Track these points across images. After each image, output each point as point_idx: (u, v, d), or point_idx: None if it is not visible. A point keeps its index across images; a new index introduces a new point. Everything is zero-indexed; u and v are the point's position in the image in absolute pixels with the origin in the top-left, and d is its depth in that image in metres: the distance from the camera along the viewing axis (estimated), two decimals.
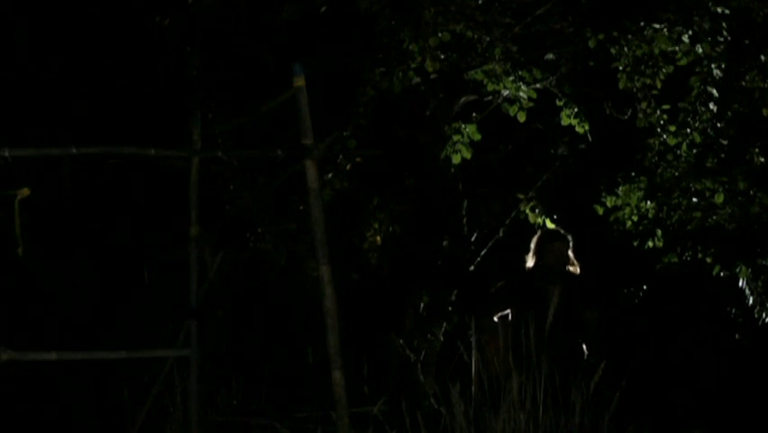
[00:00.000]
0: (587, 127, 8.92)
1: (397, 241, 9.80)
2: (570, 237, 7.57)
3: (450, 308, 9.70)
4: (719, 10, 8.44)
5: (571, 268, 7.50)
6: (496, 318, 7.52)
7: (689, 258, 9.63)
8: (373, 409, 6.68)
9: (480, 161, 9.37)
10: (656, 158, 9.06)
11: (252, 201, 9.13)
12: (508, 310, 7.46)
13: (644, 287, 11.28)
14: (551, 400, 6.35)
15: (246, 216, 9.31)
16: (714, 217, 9.18)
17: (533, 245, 7.60)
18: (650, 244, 9.50)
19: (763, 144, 9.11)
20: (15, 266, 7.56)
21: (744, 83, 8.75)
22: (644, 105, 8.72)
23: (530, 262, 7.59)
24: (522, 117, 8.60)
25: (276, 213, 9.25)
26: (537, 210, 10.00)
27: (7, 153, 5.19)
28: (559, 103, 8.89)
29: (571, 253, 7.53)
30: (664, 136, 8.82)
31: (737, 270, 9.45)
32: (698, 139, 8.77)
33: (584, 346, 7.43)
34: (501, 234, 10.10)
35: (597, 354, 7.27)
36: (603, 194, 9.51)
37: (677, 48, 8.42)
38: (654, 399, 9.92)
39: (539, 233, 7.79)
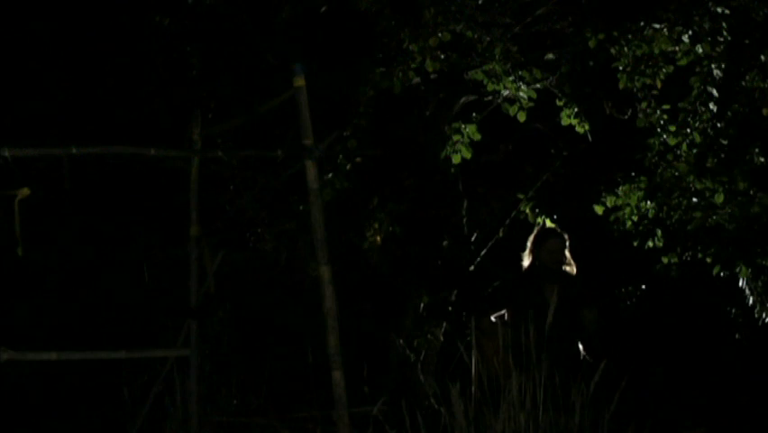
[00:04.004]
0: (587, 127, 8.92)
1: (397, 241, 9.79)
2: (566, 236, 7.54)
3: (450, 308, 9.69)
4: (719, 10, 8.44)
5: (568, 268, 7.48)
6: (493, 318, 7.50)
7: (689, 258, 9.62)
8: (373, 409, 6.67)
9: (480, 161, 9.38)
10: (656, 158, 9.06)
11: (252, 201, 9.13)
12: (504, 310, 7.45)
13: (643, 286, 11.28)
14: (551, 401, 6.34)
15: (246, 216, 9.31)
16: (714, 217, 9.17)
17: (529, 244, 7.59)
18: (650, 244, 9.50)
19: (763, 144, 9.10)
20: (15, 266, 7.56)
21: (744, 83, 8.74)
22: (644, 105, 8.72)
23: (526, 261, 7.57)
24: (522, 117, 8.60)
25: (276, 213, 9.25)
26: (537, 210, 10.00)
27: (7, 153, 5.21)
28: (559, 103, 8.89)
29: (567, 253, 7.51)
30: (664, 136, 8.81)
31: (737, 270, 9.44)
32: (698, 139, 8.77)
33: (582, 346, 7.42)
34: (501, 234, 10.10)
35: (596, 353, 7.26)
36: (603, 194, 9.50)
37: (677, 48, 8.42)
38: (654, 399, 9.92)
39: (535, 231, 7.77)
